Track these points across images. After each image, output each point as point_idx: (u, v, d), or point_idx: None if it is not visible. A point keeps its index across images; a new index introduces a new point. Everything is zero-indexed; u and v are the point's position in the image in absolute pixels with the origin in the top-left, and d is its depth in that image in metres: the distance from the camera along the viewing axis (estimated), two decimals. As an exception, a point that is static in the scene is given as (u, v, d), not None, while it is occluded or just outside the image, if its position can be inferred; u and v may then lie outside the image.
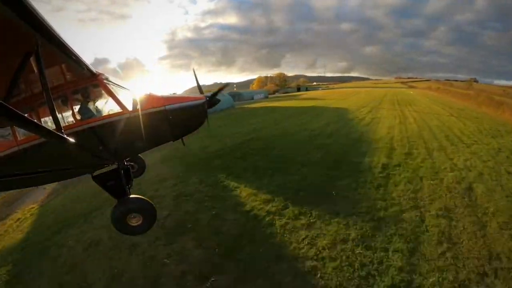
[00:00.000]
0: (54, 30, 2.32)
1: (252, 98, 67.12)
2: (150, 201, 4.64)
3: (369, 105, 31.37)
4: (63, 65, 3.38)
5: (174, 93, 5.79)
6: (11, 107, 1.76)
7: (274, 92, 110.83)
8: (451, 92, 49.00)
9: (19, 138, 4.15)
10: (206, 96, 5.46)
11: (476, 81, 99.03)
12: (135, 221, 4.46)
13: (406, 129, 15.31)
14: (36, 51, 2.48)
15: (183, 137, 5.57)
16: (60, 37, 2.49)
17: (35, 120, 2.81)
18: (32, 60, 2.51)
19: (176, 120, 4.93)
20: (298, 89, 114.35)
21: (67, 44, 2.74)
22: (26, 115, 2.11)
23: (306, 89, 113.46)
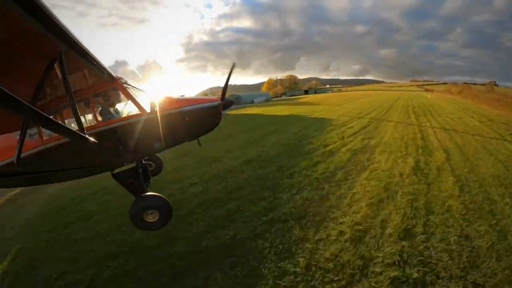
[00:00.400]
0: (76, 38, 2.48)
1: (252, 102, 66.20)
2: (166, 199, 4.79)
3: (370, 114, 23.15)
4: (85, 70, 3.58)
5: (182, 95, 5.92)
6: (37, 109, 1.91)
7: (281, 95, 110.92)
8: (477, 96, 40.36)
9: (44, 138, 4.41)
10: (221, 99, 5.60)
11: (496, 84, 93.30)
12: (151, 217, 4.62)
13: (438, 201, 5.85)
14: (60, 58, 2.66)
15: (199, 137, 5.78)
16: (82, 44, 2.66)
17: (59, 122, 2.99)
18: (56, 66, 2.70)
19: (192, 121, 5.12)
20: (306, 92, 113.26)
21: (88, 51, 2.92)
22: (51, 117, 2.27)
23: (315, 92, 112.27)
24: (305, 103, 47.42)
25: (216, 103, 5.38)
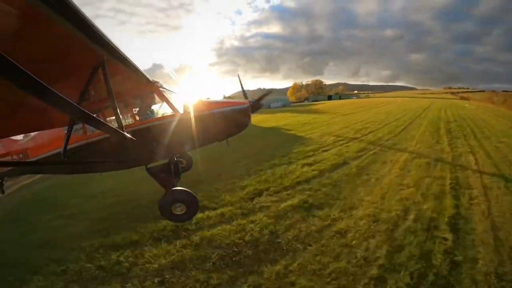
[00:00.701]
0: (117, 47, 2.81)
1: (269, 107, 65.60)
2: (194, 193, 5.06)
3: (377, 131, 16.10)
4: (125, 75, 4.01)
5: (207, 98, 6.28)
6: (83, 109, 2.25)
7: (304, 100, 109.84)
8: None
9: (88, 133, 4.99)
10: (250, 101, 5.84)
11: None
12: (179, 210, 4.90)
13: None
14: (103, 64, 3.03)
15: (227, 139, 6.06)
16: (122, 52, 3.01)
17: (101, 120, 3.38)
18: (99, 71, 3.10)
19: (222, 122, 5.42)
20: (329, 98, 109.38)
21: (128, 58, 3.28)
22: (94, 115, 2.61)
23: (340, 98, 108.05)
24: (312, 111, 40.32)
25: (245, 105, 5.64)
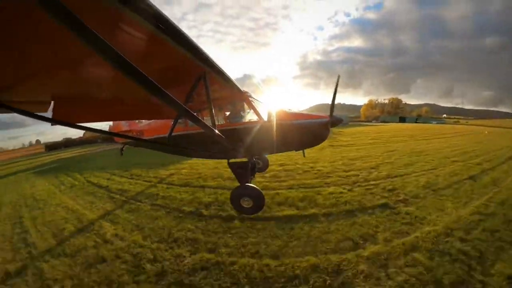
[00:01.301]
0: (215, 63, 3.44)
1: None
2: (261, 192, 5.47)
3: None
4: (221, 85, 4.77)
5: (290, 109, 6.59)
6: (187, 108, 2.92)
7: (372, 119, 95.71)
8: None
9: (188, 126, 6.14)
10: (331, 116, 5.92)
11: None
12: (246, 203, 5.39)
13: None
14: (204, 76, 3.75)
15: (304, 149, 6.39)
16: (220, 67, 3.65)
17: (199, 118, 4.11)
18: (202, 81, 3.88)
19: (301, 133, 5.75)
20: (402, 119, 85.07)
21: (224, 71, 3.94)
22: (195, 114, 3.29)
23: (416, 120, 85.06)
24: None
25: (325, 120, 5.77)
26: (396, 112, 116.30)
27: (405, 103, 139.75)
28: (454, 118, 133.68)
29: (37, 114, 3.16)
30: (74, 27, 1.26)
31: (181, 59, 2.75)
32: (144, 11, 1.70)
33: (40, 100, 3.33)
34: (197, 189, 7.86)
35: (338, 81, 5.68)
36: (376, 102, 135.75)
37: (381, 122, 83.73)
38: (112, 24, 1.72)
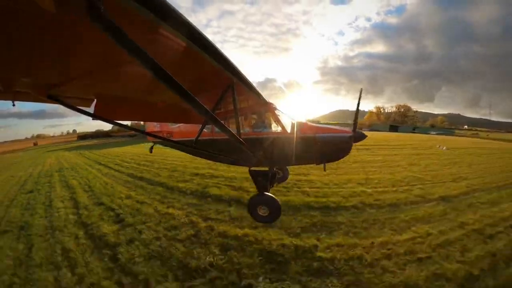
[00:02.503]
0: (244, 75, 3.57)
1: None
2: (279, 202, 5.51)
3: None
4: (248, 95, 4.90)
5: (313, 122, 6.57)
6: (214, 115, 3.06)
7: (362, 128, 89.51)
8: None
9: (214, 132, 6.37)
10: (353, 131, 5.90)
11: None
12: (263, 212, 5.46)
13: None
14: (233, 86, 3.91)
15: (325, 163, 6.31)
16: (247, 79, 3.79)
17: (225, 125, 4.25)
18: (229, 90, 4.05)
19: (322, 147, 5.76)
20: (393, 128, 78.52)
21: (251, 83, 4.07)
22: (221, 121, 3.44)
23: (413, 130, 75.85)
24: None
25: (347, 135, 5.76)
26: (403, 121, 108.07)
27: (416, 110, 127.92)
28: (474, 130, 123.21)
29: (80, 109, 3.59)
30: (118, 38, 1.47)
31: (212, 70, 2.92)
32: (181, 26, 1.89)
33: (85, 97, 3.68)
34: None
35: (360, 94, 5.71)
36: (381, 110, 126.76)
37: (371, 130, 76.12)
38: (152, 36, 1.93)
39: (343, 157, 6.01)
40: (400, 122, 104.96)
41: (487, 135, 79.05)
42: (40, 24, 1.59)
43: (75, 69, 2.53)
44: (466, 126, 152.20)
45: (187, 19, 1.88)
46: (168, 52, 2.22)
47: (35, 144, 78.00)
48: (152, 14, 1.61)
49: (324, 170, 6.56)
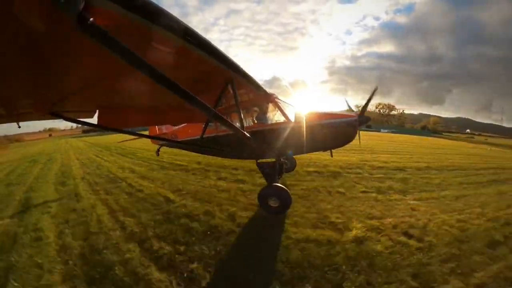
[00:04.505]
0: (242, 69, 3.51)
1: None
2: (289, 191, 5.46)
3: None
4: (248, 89, 4.85)
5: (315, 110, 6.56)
6: (216, 112, 3.05)
7: None
8: None
9: (218, 129, 6.32)
10: (358, 115, 5.89)
11: None
12: (273, 202, 5.39)
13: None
14: (232, 81, 3.85)
15: (331, 149, 6.35)
16: (246, 73, 3.73)
17: (228, 120, 4.22)
18: (229, 86, 4.01)
19: (329, 133, 5.72)
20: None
21: (251, 76, 4.01)
22: (224, 117, 3.41)
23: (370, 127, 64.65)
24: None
25: (352, 119, 5.71)
26: (386, 121, 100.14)
27: (403, 111, 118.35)
28: (471, 134, 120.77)
29: (83, 121, 3.73)
30: (113, 48, 1.45)
31: (210, 67, 2.89)
32: (172, 26, 1.86)
33: (87, 109, 3.70)
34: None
35: (374, 91, 6.04)
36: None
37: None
38: (146, 41, 1.91)
39: (350, 141, 5.98)
40: (380, 122, 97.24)
41: (486, 139, 76.65)
42: (35, 44, 1.59)
43: (74, 84, 2.53)
44: (468, 130, 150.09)
45: (178, 19, 1.85)
46: (164, 55, 2.20)
47: (50, 135, 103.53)
48: (142, 18, 1.58)
49: (331, 156, 6.54)
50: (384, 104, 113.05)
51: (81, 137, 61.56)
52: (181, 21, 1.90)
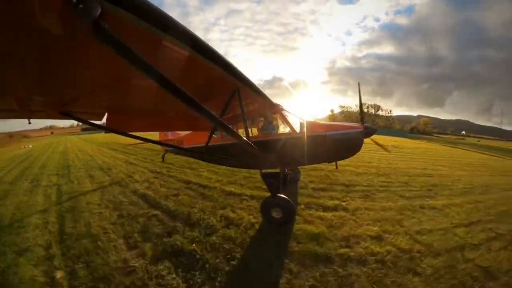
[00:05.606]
0: (249, 80, 3.58)
1: None
2: (293, 203, 5.41)
3: None
4: (254, 99, 4.86)
5: (322, 121, 6.53)
6: (222, 120, 3.08)
7: None
8: None
9: (223, 137, 6.35)
10: (364, 126, 5.85)
11: None
12: (276, 214, 5.35)
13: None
14: (238, 91, 3.92)
15: (337, 161, 6.32)
16: (253, 83, 3.78)
17: (234, 130, 4.22)
18: (236, 95, 4.08)
19: (334, 145, 5.69)
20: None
21: (257, 87, 4.07)
22: (229, 126, 3.43)
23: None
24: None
25: (357, 131, 5.68)
26: (370, 122, 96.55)
27: (390, 111, 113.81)
28: (462, 136, 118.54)
29: (92, 122, 3.80)
30: (125, 55, 1.52)
31: (217, 76, 2.96)
32: (182, 36, 1.93)
33: (96, 111, 3.80)
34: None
35: (359, 88, 5.90)
36: (345, 109, 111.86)
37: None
38: (156, 49, 1.98)
39: (355, 153, 5.93)
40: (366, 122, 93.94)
41: (478, 140, 77.49)
42: (51, 46, 1.68)
43: (86, 86, 2.63)
44: (463, 132, 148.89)
45: (188, 29, 1.93)
46: (173, 63, 2.27)
47: (52, 133, 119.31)
48: (154, 27, 1.66)
49: (336, 167, 6.50)
50: (369, 104, 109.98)
51: (79, 134, 78.67)
52: (191, 31, 1.97)
